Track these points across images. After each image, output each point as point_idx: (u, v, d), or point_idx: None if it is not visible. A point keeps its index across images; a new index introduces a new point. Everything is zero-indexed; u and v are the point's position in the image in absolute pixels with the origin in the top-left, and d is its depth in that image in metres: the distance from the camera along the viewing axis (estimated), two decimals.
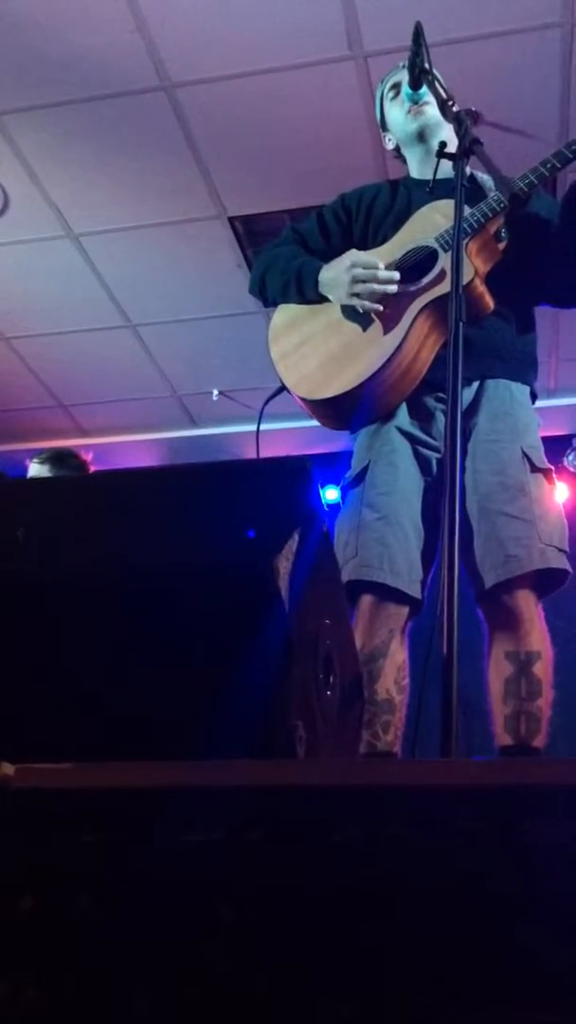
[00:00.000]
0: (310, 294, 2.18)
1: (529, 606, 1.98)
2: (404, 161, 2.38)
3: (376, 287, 2.06)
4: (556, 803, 0.81)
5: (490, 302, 2.06)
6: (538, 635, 1.97)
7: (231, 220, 3.98)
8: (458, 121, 1.81)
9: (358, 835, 0.82)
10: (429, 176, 2.21)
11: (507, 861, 0.79)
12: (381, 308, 2.07)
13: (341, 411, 2.13)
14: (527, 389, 2.19)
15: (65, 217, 3.97)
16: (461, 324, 1.59)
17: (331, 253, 2.24)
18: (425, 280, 2.06)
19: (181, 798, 0.86)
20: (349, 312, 2.13)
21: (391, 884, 0.80)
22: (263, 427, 2.27)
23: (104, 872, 0.84)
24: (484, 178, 2.16)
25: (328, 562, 1.33)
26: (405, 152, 2.35)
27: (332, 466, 2.29)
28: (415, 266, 2.10)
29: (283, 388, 2.19)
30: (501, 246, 2.10)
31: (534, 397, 2.22)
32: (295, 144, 3.59)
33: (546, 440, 2.21)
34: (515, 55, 3.23)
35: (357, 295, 2.08)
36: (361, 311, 2.10)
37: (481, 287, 2.04)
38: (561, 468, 4.72)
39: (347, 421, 2.19)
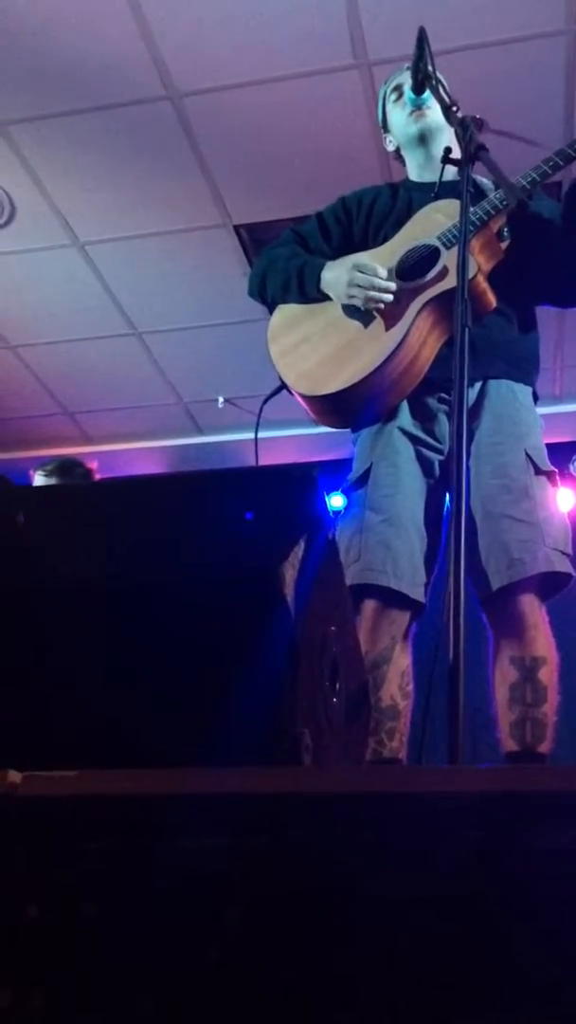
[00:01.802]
0: (311, 292, 2.18)
1: (534, 610, 1.98)
2: (403, 163, 2.39)
3: (372, 294, 2.07)
4: (561, 809, 0.80)
5: (492, 300, 2.06)
6: (543, 640, 1.96)
7: (236, 228, 3.99)
8: (463, 127, 1.81)
9: (364, 842, 0.82)
10: (428, 179, 2.22)
11: (513, 867, 0.79)
12: (382, 305, 2.08)
13: (342, 408, 2.13)
14: (529, 390, 2.19)
15: (71, 226, 3.98)
16: (467, 328, 1.58)
17: (331, 254, 2.24)
18: (427, 277, 2.06)
19: (187, 805, 0.86)
20: (350, 310, 2.13)
21: (397, 890, 0.80)
22: (267, 435, 2.27)
23: (110, 879, 0.84)
24: (483, 182, 2.16)
25: (334, 568, 1.33)
26: (405, 154, 2.36)
27: (336, 473, 2.29)
28: (416, 264, 2.11)
29: (283, 387, 2.18)
30: (503, 245, 2.11)
31: (536, 398, 2.22)
32: (300, 152, 3.60)
33: (551, 446, 2.21)
34: (520, 62, 3.24)
35: (353, 298, 2.09)
36: (362, 308, 2.10)
37: (483, 284, 2.04)
38: (566, 474, 4.71)
39: (348, 419, 2.19)
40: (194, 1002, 0.78)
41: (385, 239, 2.20)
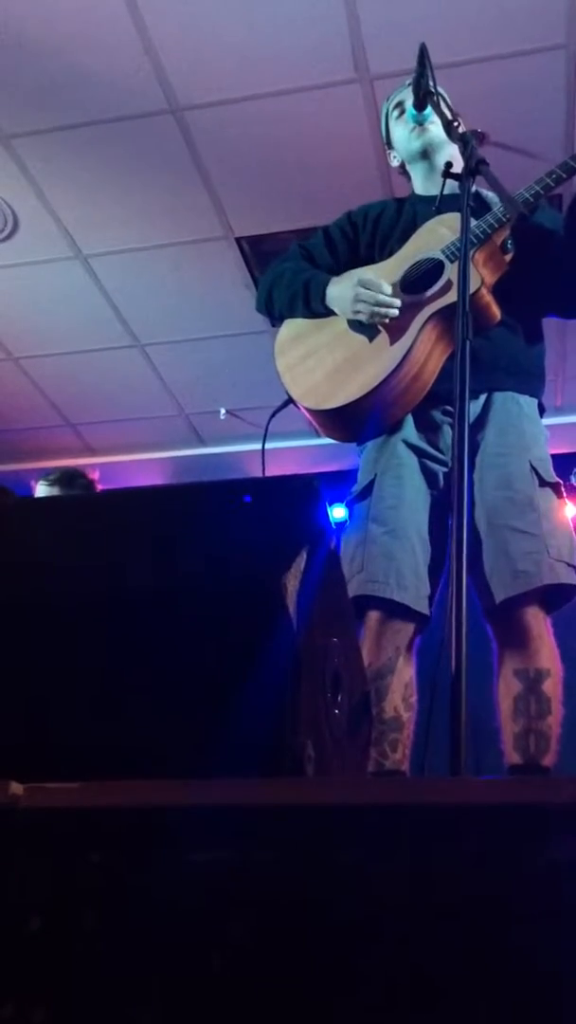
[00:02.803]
0: (317, 307, 2.19)
1: (538, 622, 1.97)
2: (409, 178, 2.40)
3: (377, 310, 2.07)
4: (565, 822, 0.80)
5: (496, 312, 2.07)
6: (547, 652, 1.96)
7: (238, 240, 4.01)
8: (464, 142, 1.82)
9: (367, 854, 0.82)
10: (433, 192, 2.23)
11: (516, 880, 0.79)
12: (387, 320, 2.08)
13: (348, 422, 2.14)
14: (535, 402, 2.19)
15: (74, 238, 4.00)
16: (468, 342, 1.58)
17: (338, 268, 2.25)
18: (431, 291, 2.07)
19: (189, 817, 0.86)
20: (355, 324, 2.14)
21: (400, 903, 0.79)
22: (270, 446, 2.27)
23: (112, 891, 0.84)
24: (489, 195, 2.17)
25: (336, 580, 1.33)
26: (409, 169, 2.37)
27: (339, 484, 2.29)
28: (421, 277, 2.11)
29: (289, 401, 2.19)
30: (507, 257, 2.12)
31: (542, 410, 2.22)
32: (302, 165, 3.62)
33: (553, 458, 2.21)
34: (521, 76, 3.26)
35: (359, 312, 2.09)
36: (366, 322, 2.10)
37: (487, 297, 2.05)
38: (569, 486, 4.70)
39: (354, 432, 2.19)
40: (197, 1015, 0.78)
41: (391, 253, 2.21)
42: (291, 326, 2.26)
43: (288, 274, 2.27)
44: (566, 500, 2.16)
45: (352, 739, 1.30)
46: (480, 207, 2.10)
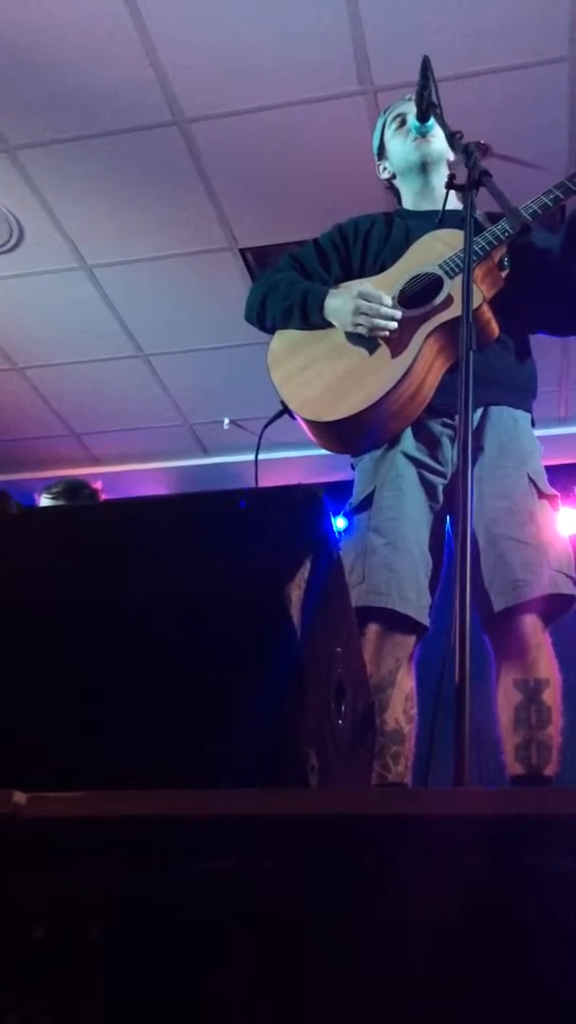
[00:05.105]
0: (315, 319, 2.18)
1: (537, 632, 1.98)
2: (395, 193, 2.41)
3: (378, 322, 2.08)
4: (569, 833, 0.80)
5: (496, 328, 2.08)
6: (546, 661, 1.96)
7: (242, 252, 4.03)
8: (467, 153, 1.83)
9: (371, 865, 0.82)
10: (424, 207, 2.25)
11: (520, 892, 0.79)
12: (387, 333, 2.09)
13: (347, 434, 2.14)
14: (528, 416, 2.21)
15: (79, 249, 4.02)
16: (472, 353, 1.59)
17: (329, 280, 2.26)
18: (432, 305, 2.08)
19: (194, 827, 0.86)
20: (353, 337, 2.14)
21: (404, 914, 0.79)
22: (270, 456, 2.27)
23: (116, 902, 0.84)
24: (478, 215, 2.18)
25: (339, 589, 1.33)
26: (401, 183, 2.38)
27: (343, 494, 2.29)
28: (419, 292, 2.12)
29: (284, 412, 2.19)
30: (504, 274, 2.13)
31: (532, 424, 2.24)
32: (305, 177, 3.63)
33: (557, 468, 2.22)
34: (523, 89, 3.28)
35: (359, 325, 2.10)
36: (366, 335, 2.11)
37: (488, 313, 2.06)
38: (572, 494, 4.71)
39: (352, 445, 2.19)
40: None
41: (383, 267, 2.22)
42: (284, 337, 2.25)
43: (283, 285, 2.26)
44: (564, 509, 2.17)
45: (356, 749, 1.30)
46: (474, 226, 2.11)
